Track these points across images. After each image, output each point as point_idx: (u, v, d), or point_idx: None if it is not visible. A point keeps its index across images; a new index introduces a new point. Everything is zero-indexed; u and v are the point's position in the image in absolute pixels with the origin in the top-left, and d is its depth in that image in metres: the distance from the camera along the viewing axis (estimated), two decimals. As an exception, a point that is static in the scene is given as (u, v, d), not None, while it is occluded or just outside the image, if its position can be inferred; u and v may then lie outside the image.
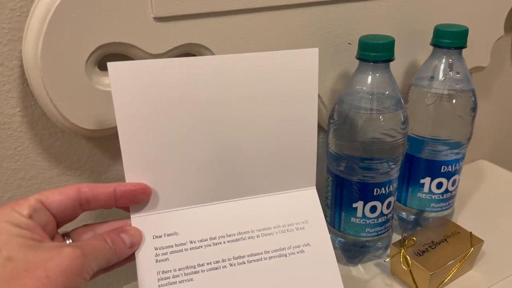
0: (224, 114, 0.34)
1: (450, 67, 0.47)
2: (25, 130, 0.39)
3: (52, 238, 0.30)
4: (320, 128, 0.52)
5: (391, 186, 0.45)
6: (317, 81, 0.36)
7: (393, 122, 0.43)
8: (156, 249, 0.33)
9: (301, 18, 0.45)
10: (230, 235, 0.34)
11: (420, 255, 0.46)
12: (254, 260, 0.34)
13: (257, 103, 0.34)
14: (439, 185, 0.51)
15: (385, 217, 0.47)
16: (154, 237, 0.33)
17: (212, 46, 0.41)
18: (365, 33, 0.44)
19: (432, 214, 0.53)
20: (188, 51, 0.41)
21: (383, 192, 0.45)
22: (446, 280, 0.46)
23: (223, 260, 0.33)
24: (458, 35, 0.46)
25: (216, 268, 0.33)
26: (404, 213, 0.55)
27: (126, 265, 0.33)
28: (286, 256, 0.35)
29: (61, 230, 0.32)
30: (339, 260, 0.49)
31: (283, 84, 0.35)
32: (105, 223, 0.33)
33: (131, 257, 0.32)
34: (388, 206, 0.46)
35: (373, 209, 0.46)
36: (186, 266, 0.33)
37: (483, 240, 0.48)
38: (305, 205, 0.37)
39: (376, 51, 0.41)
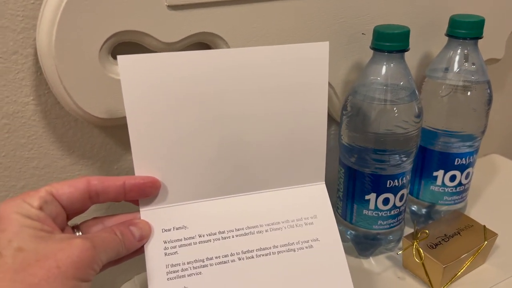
0: (233, 108, 0.34)
1: (465, 58, 0.46)
2: (39, 119, 0.39)
3: (62, 230, 0.30)
4: (332, 119, 0.52)
5: (404, 178, 0.45)
6: (327, 76, 0.35)
7: (407, 113, 0.43)
8: (165, 242, 0.33)
9: (314, 7, 0.44)
10: (238, 229, 0.34)
11: (433, 248, 0.45)
12: (263, 255, 0.34)
13: (266, 98, 0.34)
14: (453, 178, 0.50)
15: (398, 209, 0.46)
16: (163, 230, 0.33)
17: (225, 35, 0.41)
18: (378, 23, 0.44)
19: (444, 208, 0.52)
20: (201, 40, 0.41)
21: (396, 184, 0.45)
22: (459, 273, 0.45)
23: (232, 254, 0.33)
24: (475, 25, 0.45)
25: (225, 262, 0.33)
26: (415, 206, 0.54)
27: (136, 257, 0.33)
28: (294, 251, 0.34)
29: (71, 222, 0.32)
30: (350, 253, 0.49)
31: (293, 78, 0.34)
32: (114, 216, 0.33)
33: (140, 250, 0.32)
34: (401, 199, 0.46)
35: (386, 201, 0.45)
36: (195, 260, 0.33)
37: (497, 234, 0.47)
38: (314, 200, 0.37)
39: (391, 41, 0.41)
